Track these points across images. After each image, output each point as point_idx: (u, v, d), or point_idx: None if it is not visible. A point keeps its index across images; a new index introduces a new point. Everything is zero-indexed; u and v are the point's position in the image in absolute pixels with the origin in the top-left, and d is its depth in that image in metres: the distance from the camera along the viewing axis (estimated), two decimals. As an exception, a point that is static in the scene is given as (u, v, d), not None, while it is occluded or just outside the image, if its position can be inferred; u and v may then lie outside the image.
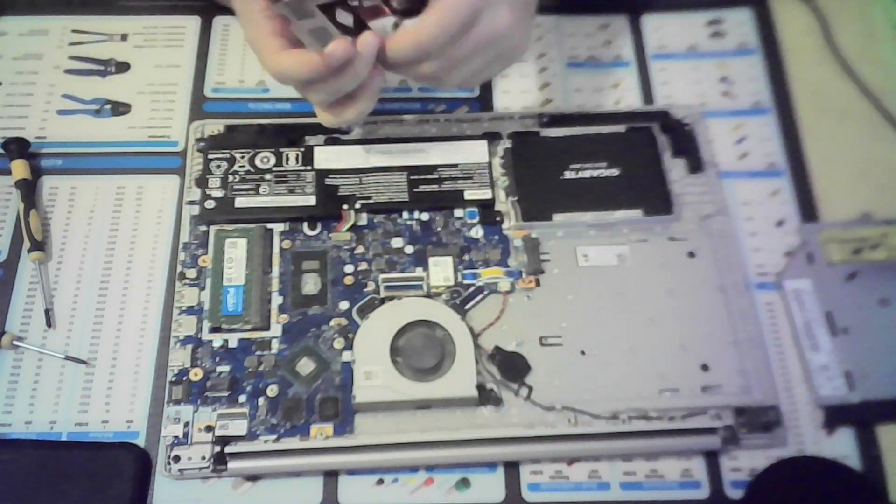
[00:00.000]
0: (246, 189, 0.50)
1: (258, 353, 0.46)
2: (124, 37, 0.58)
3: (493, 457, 0.45)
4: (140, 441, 0.45)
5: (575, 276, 0.49)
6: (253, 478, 0.45)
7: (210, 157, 0.51)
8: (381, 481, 0.45)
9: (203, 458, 0.44)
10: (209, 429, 0.44)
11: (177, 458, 0.44)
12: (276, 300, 0.48)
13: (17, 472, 0.44)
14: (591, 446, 0.45)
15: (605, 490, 0.45)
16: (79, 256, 0.50)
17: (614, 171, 0.52)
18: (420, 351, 0.45)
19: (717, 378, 0.46)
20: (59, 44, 0.58)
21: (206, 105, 0.56)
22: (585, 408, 0.45)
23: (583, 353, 0.47)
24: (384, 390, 0.44)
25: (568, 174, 0.52)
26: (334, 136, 0.53)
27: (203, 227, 0.50)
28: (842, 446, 0.46)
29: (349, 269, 0.49)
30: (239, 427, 0.44)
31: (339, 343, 0.47)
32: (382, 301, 0.48)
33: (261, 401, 0.45)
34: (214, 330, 0.47)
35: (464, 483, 0.45)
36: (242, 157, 0.51)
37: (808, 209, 0.53)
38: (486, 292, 0.48)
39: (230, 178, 0.51)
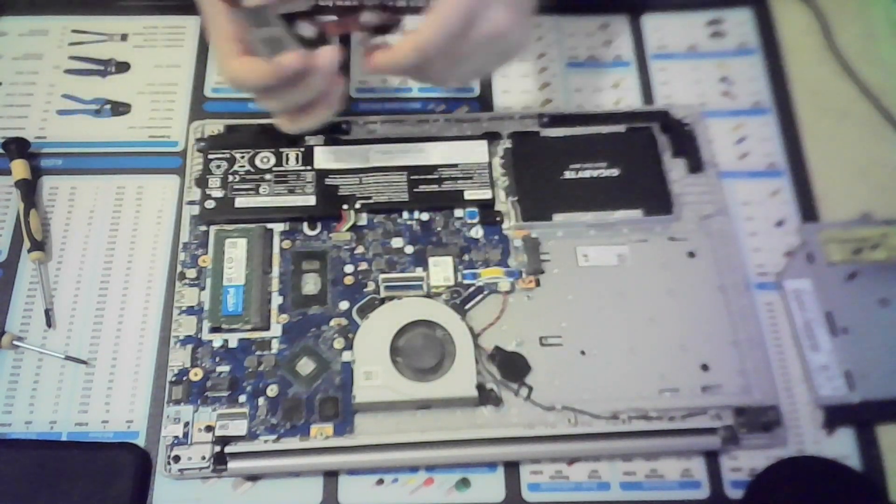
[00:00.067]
0: (246, 189, 0.50)
1: (258, 353, 0.46)
2: (124, 37, 0.58)
3: (493, 457, 0.45)
4: (140, 441, 0.46)
5: (575, 276, 0.49)
6: (253, 478, 0.45)
7: (210, 157, 0.51)
8: (381, 481, 0.45)
9: (203, 458, 0.44)
10: (209, 429, 0.44)
11: (177, 458, 0.44)
12: (276, 300, 0.48)
13: (17, 472, 0.44)
14: (591, 446, 0.45)
15: (605, 490, 0.45)
16: (79, 256, 0.50)
17: (614, 171, 0.52)
18: (420, 351, 0.45)
19: (717, 378, 0.46)
20: (59, 44, 0.58)
21: (206, 105, 0.56)
22: (585, 408, 0.45)
23: (583, 353, 0.47)
24: (384, 390, 0.44)
25: (568, 174, 0.52)
26: (334, 136, 0.53)
27: (203, 227, 0.50)
28: (842, 446, 0.46)
29: (349, 269, 0.49)
30: (239, 427, 0.44)
31: (339, 343, 0.47)
32: (382, 301, 0.48)
33: (261, 401, 0.45)
34: (214, 330, 0.47)
35: (464, 483, 0.45)
36: (242, 157, 0.51)
37: (808, 209, 0.53)
38: (486, 292, 0.48)
39: (230, 178, 0.51)
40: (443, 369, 0.45)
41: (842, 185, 0.54)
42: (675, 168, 0.53)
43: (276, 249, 0.49)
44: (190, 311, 0.47)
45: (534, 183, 0.51)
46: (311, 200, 0.50)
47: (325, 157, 0.51)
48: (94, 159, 0.53)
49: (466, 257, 0.49)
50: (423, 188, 0.51)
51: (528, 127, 0.54)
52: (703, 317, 0.48)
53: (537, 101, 0.57)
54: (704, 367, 0.47)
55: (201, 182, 0.51)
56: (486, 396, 0.45)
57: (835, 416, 0.47)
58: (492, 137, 0.53)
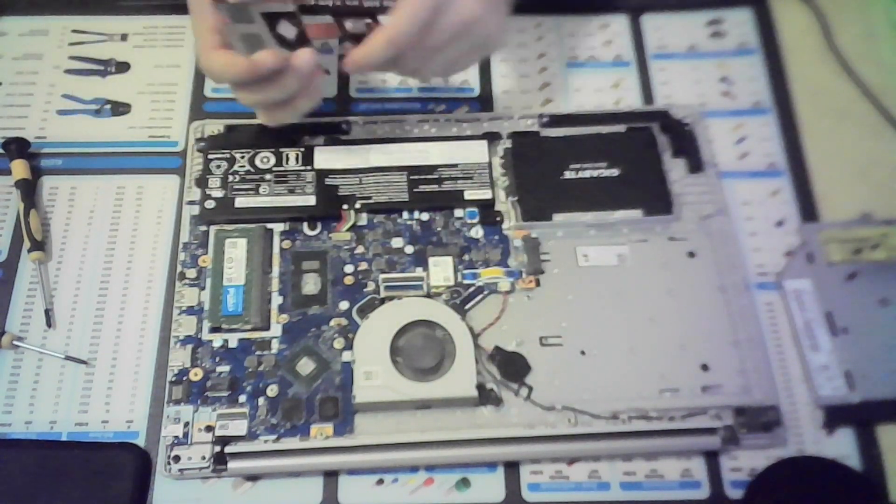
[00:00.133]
0: (246, 189, 0.50)
1: (258, 353, 0.46)
2: (124, 37, 0.58)
3: (493, 457, 0.45)
4: (140, 441, 0.46)
5: (575, 276, 0.49)
6: (253, 478, 0.45)
7: (210, 157, 0.51)
8: (381, 481, 0.45)
9: (203, 458, 0.44)
10: (209, 429, 0.44)
11: (177, 458, 0.44)
12: (276, 300, 0.48)
13: (17, 472, 0.44)
14: (591, 446, 0.45)
15: (605, 490, 0.45)
16: (79, 256, 0.50)
17: (614, 171, 0.52)
18: (420, 351, 0.45)
19: (717, 378, 0.46)
20: (59, 44, 0.58)
21: (206, 105, 0.56)
22: (585, 408, 0.45)
23: (583, 353, 0.47)
24: (384, 390, 0.44)
25: (568, 174, 0.52)
26: (334, 136, 0.53)
27: (203, 227, 0.50)
28: (842, 446, 0.46)
29: (349, 269, 0.49)
30: (239, 427, 0.44)
31: (339, 343, 0.47)
32: (382, 301, 0.48)
33: (261, 401, 0.45)
34: (214, 330, 0.47)
35: (464, 483, 0.45)
36: (242, 157, 0.51)
37: (808, 209, 0.53)
38: (486, 292, 0.48)
39: (230, 178, 0.51)
40: (443, 369, 0.45)
41: (842, 185, 0.54)
42: (675, 168, 0.53)
43: (276, 249, 0.49)
44: (190, 311, 0.47)
45: (534, 183, 0.51)
46: (311, 200, 0.50)
47: (325, 157, 0.51)
48: (94, 159, 0.53)
49: (466, 257, 0.49)
50: (423, 188, 0.51)
51: (528, 127, 0.54)
52: (703, 317, 0.48)
53: (537, 101, 0.57)
54: (704, 367, 0.47)
55: (201, 182, 0.51)
56: (486, 396, 0.45)
57: (835, 416, 0.47)
58: (492, 137, 0.53)
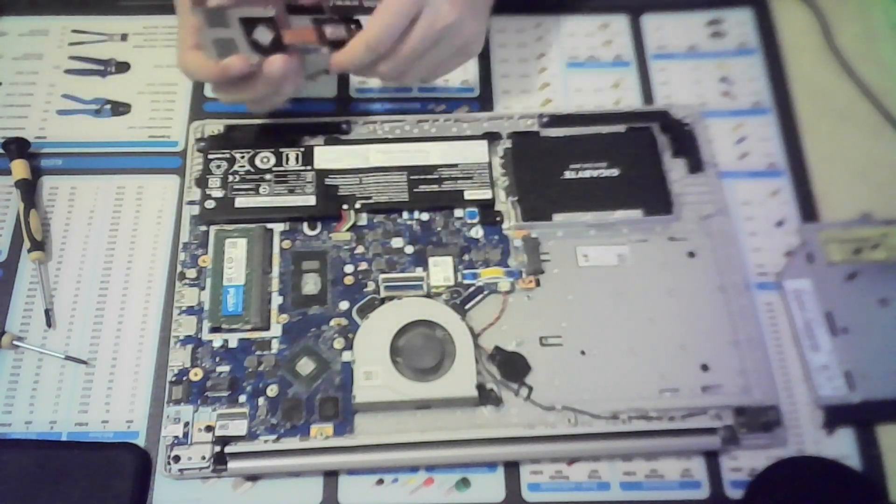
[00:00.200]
0: (246, 189, 0.50)
1: (258, 353, 0.46)
2: (124, 37, 0.58)
3: (493, 457, 0.45)
4: (140, 441, 0.46)
5: (575, 276, 0.49)
6: (253, 478, 0.45)
7: (210, 157, 0.51)
8: (381, 481, 0.45)
9: (203, 458, 0.44)
10: (209, 429, 0.44)
11: (177, 458, 0.44)
12: (276, 300, 0.48)
13: (17, 472, 0.44)
14: (591, 446, 0.45)
15: (605, 490, 0.45)
16: (79, 256, 0.50)
17: (614, 171, 0.52)
18: (420, 351, 0.45)
19: (717, 378, 0.46)
20: (59, 44, 0.58)
21: (206, 105, 0.56)
22: (585, 408, 0.45)
23: (583, 353, 0.47)
24: (384, 390, 0.44)
25: (568, 174, 0.52)
26: (334, 136, 0.53)
27: (203, 227, 0.50)
28: (842, 446, 0.46)
29: (349, 269, 0.49)
30: (239, 427, 0.44)
31: (339, 343, 0.47)
32: (382, 301, 0.48)
33: (261, 401, 0.45)
34: (214, 330, 0.47)
35: (464, 483, 0.45)
36: (242, 157, 0.51)
37: (808, 209, 0.53)
38: (486, 292, 0.48)
39: (230, 178, 0.51)
40: (443, 369, 0.45)
41: (842, 185, 0.54)
42: (675, 168, 0.53)
43: (276, 249, 0.49)
44: (190, 311, 0.47)
45: (534, 183, 0.51)
46: (311, 200, 0.50)
47: (325, 157, 0.51)
48: (94, 159, 0.53)
49: (466, 257, 0.49)
50: (423, 188, 0.51)
51: (528, 127, 0.54)
52: (703, 317, 0.48)
53: (537, 101, 0.57)
54: (704, 367, 0.47)
55: (201, 182, 0.51)
56: (486, 396, 0.45)
57: (835, 416, 0.47)
58: (492, 137, 0.53)
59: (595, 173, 0.52)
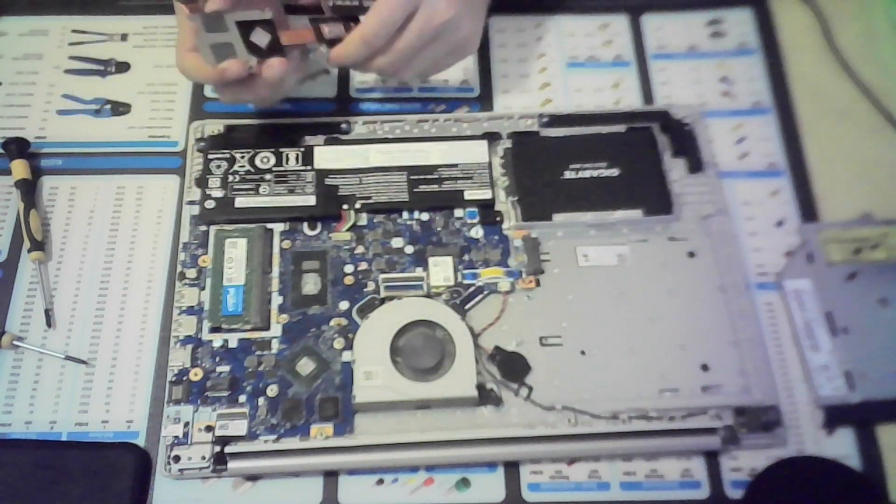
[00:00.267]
0: (246, 189, 0.50)
1: (258, 353, 0.46)
2: (124, 37, 0.58)
3: (493, 457, 0.45)
4: (140, 441, 0.45)
5: (575, 276, 0.49)
6: (253, 478, 0.45)
7: (210, 157, 0.51)
8: (381, 481, 0.45)
9: (203, 458, 0.44)
10: (209, 429, 0.44)
11: (177, 458, 0.44)
12: (276, 300, 0.48)
13: (17, 472, 0.44)
14: (591, 446, 0.45)
15: (605, 490, 0.45)
16: (79, 256, 0.50)
17: (614, 171, 0.52)
18: (420, 351, 0.45)
19: (717, 378, 0.46)
20: (59, 44, 0.58)
21: (206, 105, 0.56)
22: (585, 408, 0.45)
23: (583, 353, 0.47)
24: (384, 390, 0.44)
25: (568, 174, 0.52)
26: (334, 136, 0.53)
27: (203, 227, 0.50)
28: (842, 446, 0.46)
29: (349, 269, 0.49)
30: (239, 427, 0.44)
31: (339, 343, 0.47)
32: (382, 301, 0.48)
33: (261, 401, 0.45)
34: (214, 330, 0.47)
35: (464, 483, 0.45)
36: (242, 157, 0.51)
37: (808, 209, 0.53)
38: (486, 292, 0.48)
39: (230, 178, 0.51)
40: (443, 369, 0.45)
41: (842, 185, 0.54)
42: (675, 168, 0.53)
43: (276, 249, 0.49)
44: (190, 311, 0.47)
45: (534, 183, 0.51)
46: (311, 200, 0.50)
47: (325, 157, 0.51)
48: (94, 159, 0.53)
49: (466, 257, 0.49)
50: (423, 188, 0.51)
51: (528, 127, 0.54)
52: (703, 317, 0.48)
53: (537, 101, 0.57)
54: (704, 367, 0.47)
55: (201, 182, 0.51)
56: (486, 396, 0.45)
57: (835, 416, 0.46)
58: (492, 137, 0.53)
59: (595, 173, 0.52)
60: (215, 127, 0.53)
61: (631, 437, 0.45)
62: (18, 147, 0.52)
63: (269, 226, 0.50)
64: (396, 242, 0.50)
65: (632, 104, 0.56)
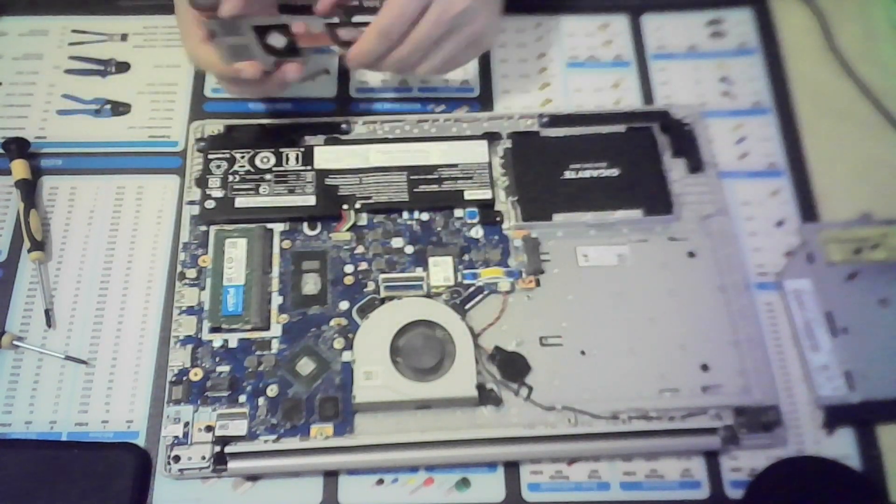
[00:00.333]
0: (246, 189, 0.50)
1: (258, 353, 0.46)
2: (124, 37, 0.58)
3: (493, 457, 0.45)
4: (140, 441, 0.46)
5: (575, 276, 0.49)
6: (253, 478, 0.45)
7: (210, 157, 0.51)
8: (381, 481, 0.45)
9: (203, 458, 0.44)
10: (209, 429, 0.44)
11: (177, 458, 0.44)
12: (276, 300, 0.48)
13: (17, 472, 0.44)
14: (591, 446, 0.45)
15: (605, 490, 0.45)
16: (79, 256, 0.50)
17: (614, 171, 0.52)
18: (420, 351, 0.45)
19: (717, 378, 0.46)
20: (59, 44, 0.58)
21: (206, 105, 0.56)
22: (585, 408, 0.45)
23: (583, 353, 0.47)
24: (384, 390, 0.44)
25: (568, 174, 0.52)
26: (334, 136, 0.53)
27: (203, 227, 0.50)
28: (842, 446, 0.46)
29: (349, 269, 0.49)
30: (239, 427, 0.44)
31: (339, 343, 0.47)
32: (382, 301, 0.48)
33: (261, 401, 0.45)
34: (214, 330, 0.47)
35: (464, 483, 0.45)
36: (242, 157, 0.51)
37: (808, 209, 0.53)
38: (486, 292, 0.48)
39: (230, 178, 0.51)
40: (443, 369, 0.45)
41: (842, 185, 0.54)
42: (675, 168, 0.53)
43: (276, 249, 0.49)
44: (190, 311, 0.47)
45: (534, 183, 0.51)
46: (311, 200, 0.50)
47: (325, 157, 0.51)
48: (94, 159, 0.53)
49: (466, 257, 0.49)
50: (423, 188, 0.51)
51: (528, 127, 0.54)
52: (703, 317, 0.48)
53: (537, 101, 0.57)
54: (704, 367, 0.47)
55: (201, 182, 0.51)
56: (486, 396, 0.45)
57: (835, 416, 0.46)
58: (492, 137, 0.53)
59: (595, 173, 0.52)
60: (215, 127, 0.53)
61: (631, 437, 0.45)
62: (18, 147, 0.52)
63: (269, 226, 0.50)
64: (396, 242, 0.50)
65: (632, 104, 0.56)
